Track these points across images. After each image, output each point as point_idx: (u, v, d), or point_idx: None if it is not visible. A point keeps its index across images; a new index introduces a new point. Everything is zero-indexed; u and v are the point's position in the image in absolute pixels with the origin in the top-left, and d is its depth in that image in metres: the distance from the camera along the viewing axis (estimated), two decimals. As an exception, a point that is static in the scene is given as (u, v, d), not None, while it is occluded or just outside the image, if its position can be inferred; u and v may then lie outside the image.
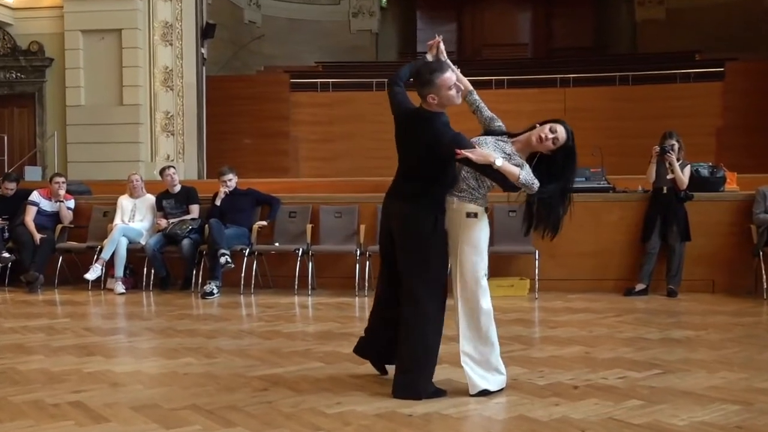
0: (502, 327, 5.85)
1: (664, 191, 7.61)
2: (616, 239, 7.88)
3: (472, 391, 3.90)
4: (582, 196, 7.98)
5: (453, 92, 3.86)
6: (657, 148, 7.62)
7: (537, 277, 7.50)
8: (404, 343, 3.94)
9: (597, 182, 8.30)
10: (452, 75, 3.88)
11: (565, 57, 21.26)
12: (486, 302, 3.93)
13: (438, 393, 3.92)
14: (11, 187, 9.07)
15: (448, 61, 4.12)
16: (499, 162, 3.69)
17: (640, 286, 7.55)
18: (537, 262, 7.50)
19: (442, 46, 4.25)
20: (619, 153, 13.84)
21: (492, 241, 7.63)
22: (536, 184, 3.78)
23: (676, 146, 7.61)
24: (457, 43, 24.26)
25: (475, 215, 3.95)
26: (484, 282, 3.95)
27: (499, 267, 7.77)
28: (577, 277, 7.82)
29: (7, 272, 8.59)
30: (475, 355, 3.94)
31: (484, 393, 3.90)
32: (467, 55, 23.70)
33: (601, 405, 3.76)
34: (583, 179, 8.33)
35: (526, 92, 17.81)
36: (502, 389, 3.97)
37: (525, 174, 3.75)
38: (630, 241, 7.84)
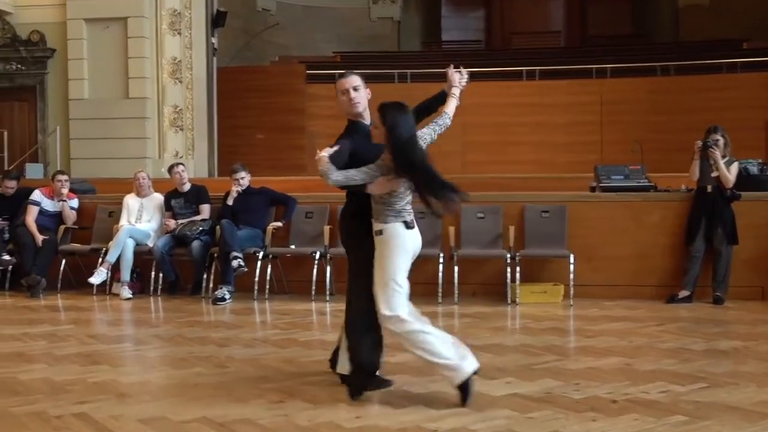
0: (534, 336, 5.87)
1: (709, 190, 7.55)
2: (658, 242, 7.83)
3: (453, 385, 4.04)
4: (621, 195, 8.00)
5: (344, 98, 4.32)
6: (699, 143, 7.57)
7: (572, 283, 7.47)
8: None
9: (637, 180, 8.25)
10: (347, 80, 4.32)
11: (601, 45, 21.12)
12: (402, 325, 4.04)
13: (378, 384, 4.25)
14: (11, 185, 9.16)
15: (455, 87, 4.50)
16: (319, 155, 4.03)
17: (683, 293, 7.50)
18: (572, 266, 7.47)
19: (454, 77, 4.54)
20: (660, 149, 13.78)
21: (523, 244, 7.73)
22: (331, 173, 4.01)
23: (721, 141, 7.53)
24: (485, 32, 24.21)
25: (380, 233, 4.13)
26: (397, 307, 4.05)
27: (531, 272, 7.76)
28: (615, 282, 7.78)
29: (8, 276, 8.67)
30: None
31: (466, 386, 4.00)
32: (495, 44, 23.65)
33: (642, 421, 3.74)
34: (622, 177, 8.30)
35: (558, 84, 17.76)
36: (476, 369, 4.05)
37: (326, 167, 4.01)
38: (672, 244, 7.78)
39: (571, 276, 7.47)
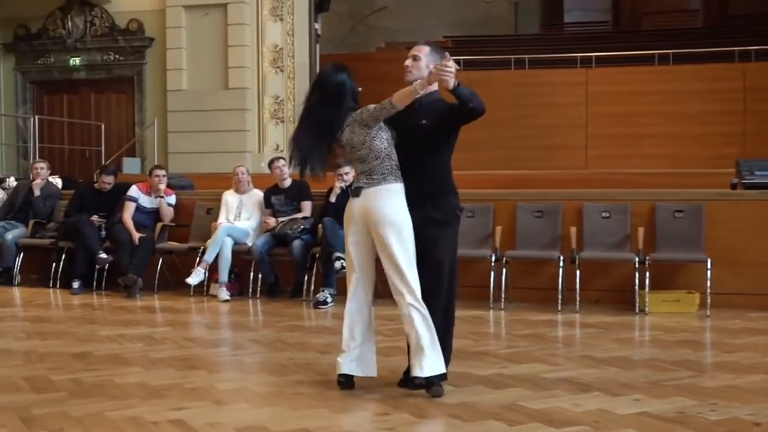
0: (666, 349, 5.73)
1: None
2: (809, 246, 7.54)
3: None
4: (764, 193, 7.71)
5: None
6: None
7: (709, 291, 7.25)
8: None
9: (785, 177, 7.97)
10: (412, 48, 4.65)
11: (744, 25, 20.40)
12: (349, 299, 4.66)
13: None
14: (109, 180, 9.44)
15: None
16: None
17: (839, 304, 7.20)
18: (709, 272, 7.25)
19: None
20: (813, 141, 13.23)
21: (653, 247, 7.55)
22: None
23: None
24: (612, 12, 23.74)
25: None
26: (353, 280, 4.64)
27: (663, 278, 7.58)
28: (759, 291, 7.52)
29: (104, 274, 8.98)
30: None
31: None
32: (624, 26, 23.16)
33: (789, 447, 3.62)
34: (766, 173, 8.01)
35: (696, 69, 17.23)
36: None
37: None
38: (826, 249, 7.49)
39: (708, 283, 7.25)
